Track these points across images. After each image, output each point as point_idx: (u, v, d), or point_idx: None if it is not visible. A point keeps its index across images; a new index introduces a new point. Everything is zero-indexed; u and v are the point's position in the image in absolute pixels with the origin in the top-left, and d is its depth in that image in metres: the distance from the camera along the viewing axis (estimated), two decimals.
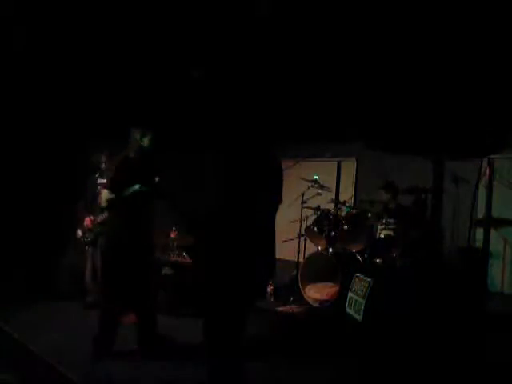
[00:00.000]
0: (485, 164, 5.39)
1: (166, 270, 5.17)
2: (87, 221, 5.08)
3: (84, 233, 5.11)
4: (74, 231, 5.20)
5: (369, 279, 3.41)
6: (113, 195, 3.53)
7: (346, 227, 5.30)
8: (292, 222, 6.29)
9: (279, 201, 2.66)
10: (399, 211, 5.46)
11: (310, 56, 5.22)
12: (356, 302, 3.46)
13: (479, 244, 5.53)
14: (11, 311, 4.60)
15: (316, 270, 5.38)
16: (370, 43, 4.34)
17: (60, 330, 4.22)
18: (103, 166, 5.19)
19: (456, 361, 3.34)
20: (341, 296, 4.28)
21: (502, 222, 5.22)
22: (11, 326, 4.21)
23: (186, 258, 5.22)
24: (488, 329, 3.98)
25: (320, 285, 5.36)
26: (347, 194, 6.77)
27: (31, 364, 3.66)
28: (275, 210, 2.64)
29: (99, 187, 5.17)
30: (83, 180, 5.33)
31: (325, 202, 5.82)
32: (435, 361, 3.24)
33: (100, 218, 5.01)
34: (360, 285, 3.50)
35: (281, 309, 5.06)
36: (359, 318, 3.33)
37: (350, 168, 6.89)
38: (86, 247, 5.14)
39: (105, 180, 5.14)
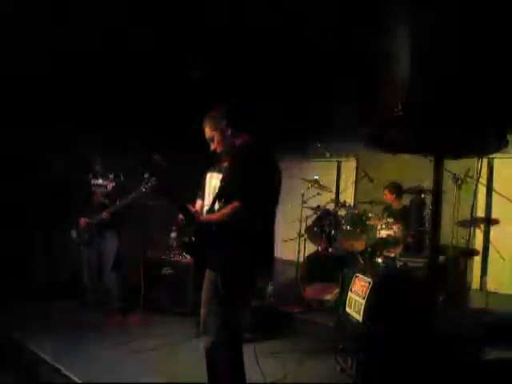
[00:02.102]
0: (485, 164, 5.39)
1: (165, 270, 5.18)
2: (82, 221, 5.06)
3: (79, 233, 5.09)
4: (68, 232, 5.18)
5: (369, 279, 3.40)
6: None
7: (346, 227, 5.29)
8: (292, 221, 6.29)
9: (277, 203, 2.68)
10: (402, 212, 5.47)
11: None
12: (356, 302, 3.45)
13: (479, 243, 5.56)
14: (11, 311, 4.60)
15: (316, 270, 5.38)
16: None
17: (60, 330, 4.22)
18: (97, 167, 5.19)
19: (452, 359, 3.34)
20: (341, 296, 4.28)
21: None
22: (11, 325, 4.21)
23: (186, 257, 5.22)
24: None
25: (320, 285, 5.36)
26: (347, 193, 6.78)
27: (31, 364, 3.67)
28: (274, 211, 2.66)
29: (93, 188, 5.19)
30: (77, 181, 5.31)
31: (325, 202, 5.82)
32: (434, 360, 3.25)
33: (95, 218, 5.01)
34: (360, 285, 3.49)
35: (281, 309, 5.05)
36: (359, 317, 3.33)
37: (350, 168, 6.90)
38: (81, 248, 5.13)
39: (100, 181, 5.17)
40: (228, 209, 2.44)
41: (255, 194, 2.43)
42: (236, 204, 2.40)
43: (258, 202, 2.43)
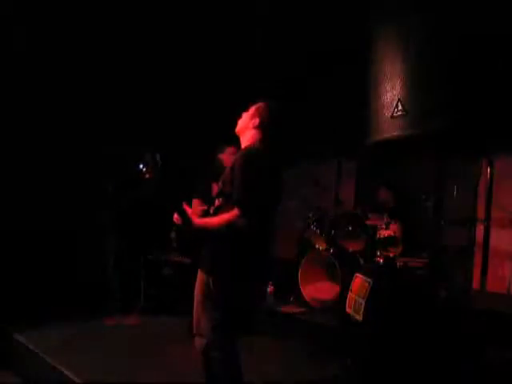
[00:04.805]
0: (485, 164, 5.39)
1: (165, 270, 5.18)
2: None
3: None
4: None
5: (369, 279, 3.41)
6: None
7: (346, 227, 5.29)
8: (292, 221, 6.28)
9: (279, 202, 2.67)
10: (399, 211, 5.47)
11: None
12: (356, 302, 3.45)
13: (479, 243, 5.55)
14: (12, 312, 4.60)
15: (316, 269, 5.38)
16: None
17: (61, 330, 4.23)
18: None
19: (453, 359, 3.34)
20: (341, 296, 4.28)
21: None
22: (12, 326, 4.21)
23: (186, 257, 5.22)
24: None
25: (320, 285, 5.36)
26: (347, 193, 6.77)
27: (31, 364, 3.67)
28: (275, 211, 2.66)
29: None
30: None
31: (325, 202, 5.82)
32: (435, 360, 3.25)
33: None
34: (360, 285, 3.49)
35: (281, 309, 5.05)
36: (359, 317, 3.33)
37: (350, 168, 6.88)
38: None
39: None
40: (227, 216, 2.41)
41: (255, 203, 2.40)
42: (235, 213, 2.37)
43: (257, 211, 2.42)
